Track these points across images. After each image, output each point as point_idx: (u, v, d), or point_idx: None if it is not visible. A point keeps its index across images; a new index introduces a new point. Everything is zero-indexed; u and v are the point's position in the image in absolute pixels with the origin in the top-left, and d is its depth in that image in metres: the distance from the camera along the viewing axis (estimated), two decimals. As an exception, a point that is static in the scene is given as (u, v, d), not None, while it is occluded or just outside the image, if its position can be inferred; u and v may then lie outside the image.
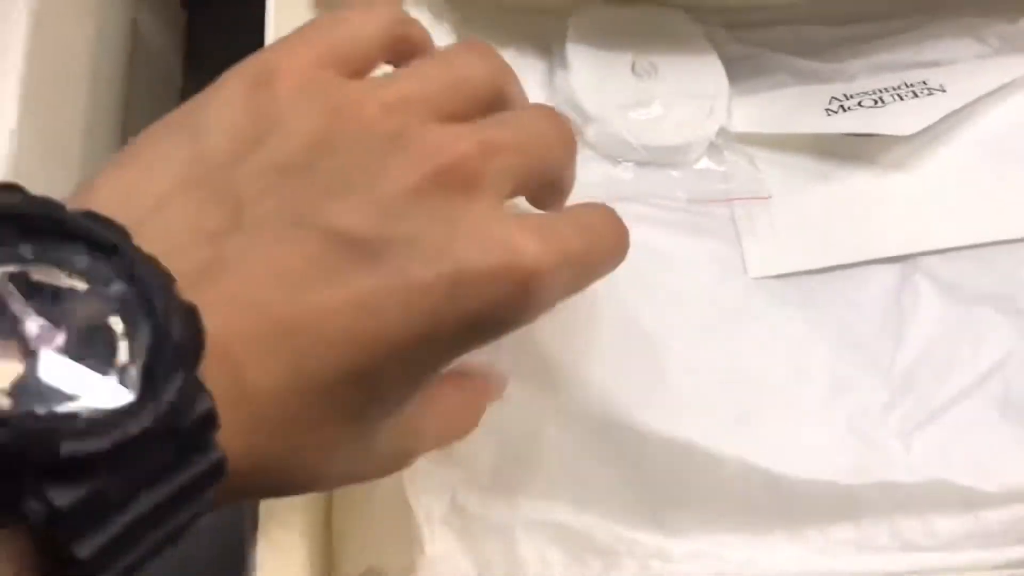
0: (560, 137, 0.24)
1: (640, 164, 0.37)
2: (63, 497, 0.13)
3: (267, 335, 0.17)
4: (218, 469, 0.16)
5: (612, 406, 0.31)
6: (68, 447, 0.13)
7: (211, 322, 0.16)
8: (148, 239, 0.16)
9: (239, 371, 0.17)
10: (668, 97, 0.37)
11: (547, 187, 0.25)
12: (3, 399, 0.13)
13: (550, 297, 0.21)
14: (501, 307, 0.19)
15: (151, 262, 0.16)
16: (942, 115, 0.35)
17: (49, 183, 0.30)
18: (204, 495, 0.16)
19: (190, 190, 0.19)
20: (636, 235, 0.35)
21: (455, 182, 0.20)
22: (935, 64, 0.38)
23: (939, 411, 0.31)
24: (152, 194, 0.19)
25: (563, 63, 0.38)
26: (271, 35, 0.29)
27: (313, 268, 0.18)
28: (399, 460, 0.23)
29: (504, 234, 0.19)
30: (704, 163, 0.37)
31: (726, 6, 0.41)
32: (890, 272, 0.34)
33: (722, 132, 0.37)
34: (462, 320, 0.19)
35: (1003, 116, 0.37)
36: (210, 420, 0.15)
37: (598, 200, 0.35)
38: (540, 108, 0.25)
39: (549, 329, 0.32)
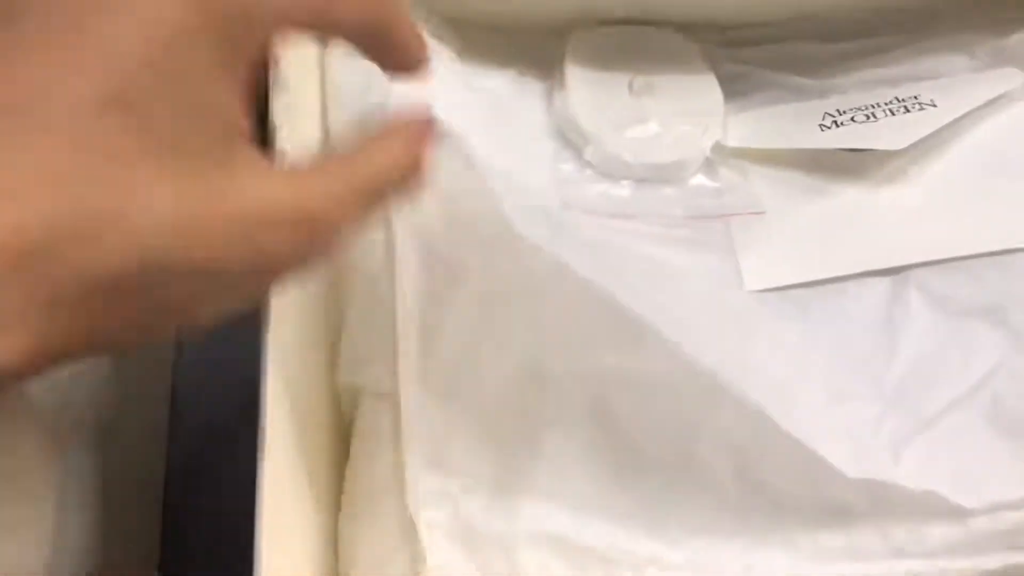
0: None
1: (638, 181, 0.38)
2: None
3: None
4: None
5: (610, 419, 0.32)
6: None
7: None
8: None
9: None
10: (664, 115, 0.38)
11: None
12: None
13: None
14: None
15: None
16: (932, 130, 0.36)
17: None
18: None
19: None
20: (635, 250, 0.36)
21: None
22: (927, 79, 0.39)
23: (930, 422, 0.31)
24: None
25: (561, 84, 0.38)
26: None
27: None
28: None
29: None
30: (700, 179, 0.38)
31: (721, 25, 0.41)
32: (883, 284, 0.35)
33: (717, 148, 0.38)
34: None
35: (992, 130, 0.37)
36: None
37: (598, 215, 0.37)
38: None
39: (548, 342, 0.32)
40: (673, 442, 0.31)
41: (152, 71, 0.18)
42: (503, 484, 0.31)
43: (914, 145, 0.36)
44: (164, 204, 0.18)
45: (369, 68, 0.37)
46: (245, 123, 0.21)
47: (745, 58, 0.41)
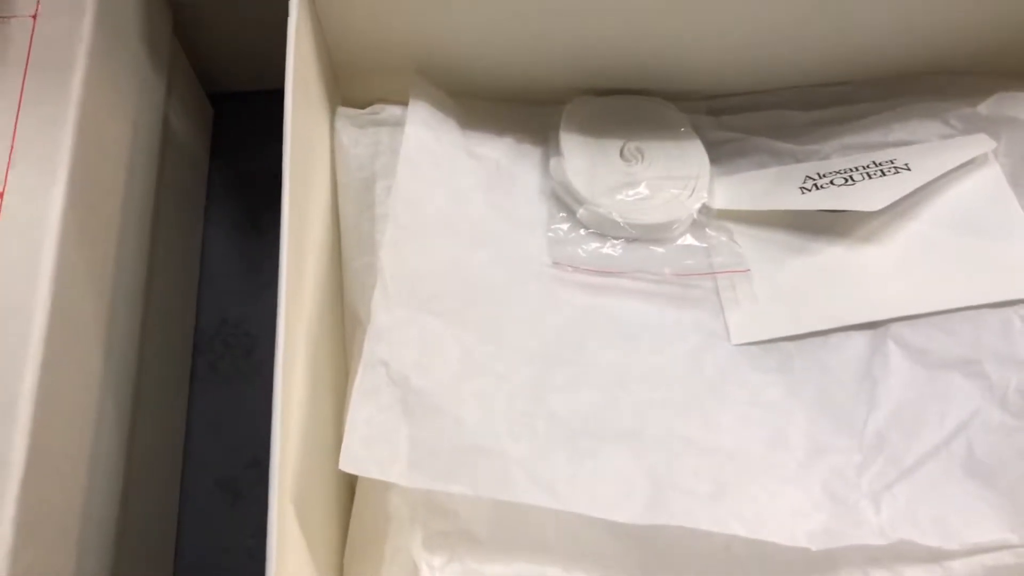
0: None
1: (628, 241, 0.40)
2: None
3: None
4: None
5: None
6: None
7: None
8: None
9: None
10: (654, 180, 0.40)
11: None
12: None
13: None
14: None
15: None
16: (907, 192, 0.38)
17: (90, 262, 0.33)
18: None
19: None
20: (626, 307, 0.38)
21: None
22: (902, 144, 0.41)
23: (908, 471, 0.33)
24: None
25: (557, 150, 0.41)
26: (288, 135, 0.32)
27: None
28: None
29: None
30: (687, 239, 0.40)
31: (708, 94, 0.44)
32: (862, 339, 0.36)
33: (704, 210, 0.40)
34: None
35: (963, 193, 0.39)
36: None
37: (589, 272, 0.39)
38: None
39: (543, 395, 0.34)
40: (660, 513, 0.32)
41: None
42: (499, 531, 0.32)
43: (889, 207, 0.38)
44: None
45: (375, 138, 0.40)
46: None
47: (731, 125, 0.43)
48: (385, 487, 0.32)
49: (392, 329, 0.33)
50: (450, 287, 0.35)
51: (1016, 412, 0.34)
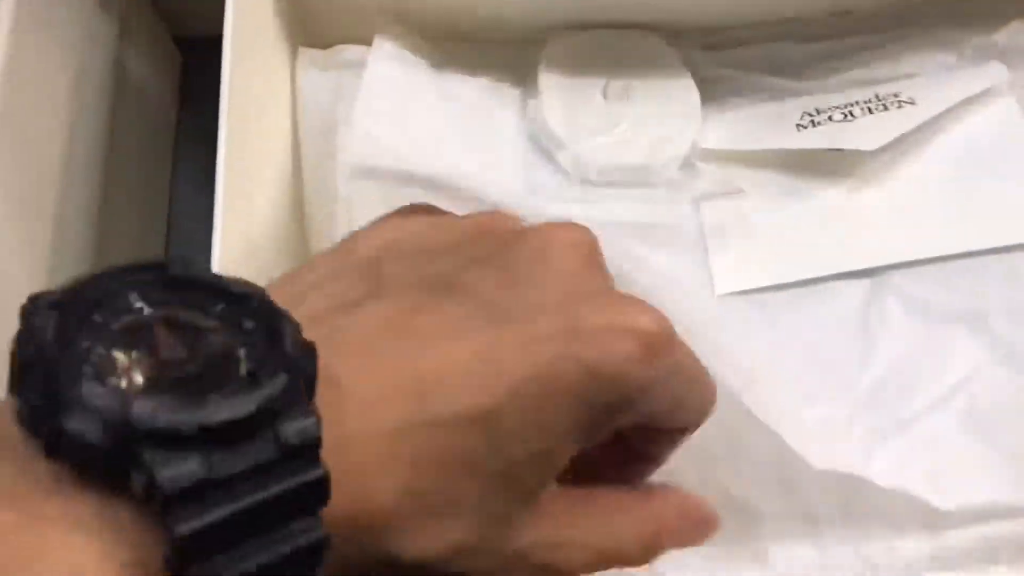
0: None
1: (612, 184, 0.37)
2: (167, 470, 0.14)
3: (385, 380, 0.18)
4: (320, 486, 0.16)
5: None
6: (176, 417, 0.15)
7: (330, 366, 0.17)
8: (301, 308, 0.18)
9: (344, 414, 0.17)
10: (640, 118, 0.38)
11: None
12: (135, 377, 0.15)
13: (667, 363, 0.20)
14: (620, 356, 0.19)
15: (277, 309, 0.17)
16: (909, 128, 0.35)
17: (23, 218, 0.31)
18: (307, 520, 0.16)
19: (341, 275, 0.21)
20: (608, 249, 0.36)
21: (582, 257, 0.21)
22: (910, 76, 0.38)
23: (903, 425, 0.31)
24: (310, 281, 0.21)
25: (535, 90, 0.38)
26: (227, 77, 0.29)
27: (442, 326, 0.19)
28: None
29: (622, 301, 0.20)
30: (678, 179, 0.37)
31: (700, 28, 0.41)
32: (858, 289, 0.34)
33: (694, 150, 0.38)
34: (581, 367, 0.19)
35: (972, 128, 0.36)
36: (315, 441, 0.16)
37: (576, 220, 0.36)
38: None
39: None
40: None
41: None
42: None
43: (892, 145, 0.35)
44: None
45: (336, 81, 0.38)
46: None
47: (724, 61, 0.40)
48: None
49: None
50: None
51: (1020, 368, 0.31)
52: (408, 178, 0.33)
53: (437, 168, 0.34)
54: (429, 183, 0.33)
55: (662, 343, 0.19)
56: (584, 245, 0.21)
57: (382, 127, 0.34)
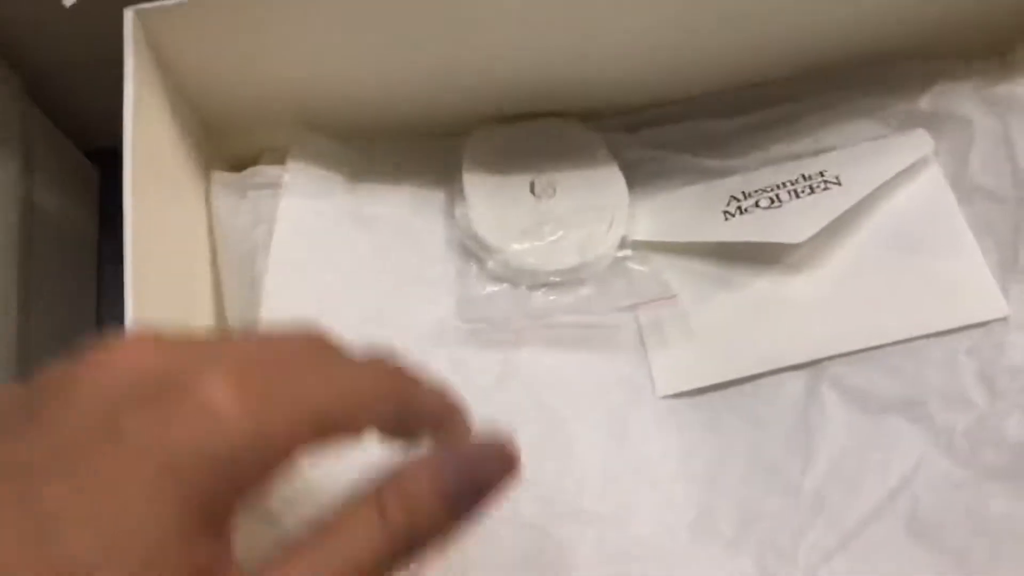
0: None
1: (545, 287, 0.36)
2: None
3: None
4: None
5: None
6: None
7: None
8: None
9: None
10: (568, 216, 0.37)
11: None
12: None
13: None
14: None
15: None
16: (836, 215, 0.35)
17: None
18: None
19: None
20: (545, 363, 0.35)
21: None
22: (834, 148, 0.38)
23: (849, 536, 0.30)
24: None
25: (461, 194, 0.37)
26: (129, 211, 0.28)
27: None
28: None
29: None
30: (609, 276, 0.37)
31: (623, 109, 0.40)
32: (797, 382, 0.33)
33: (624, 243, 0.37)
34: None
35: (900, 204, 0.36)
36: None
37: (507, 329, 0.35)
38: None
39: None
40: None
41: None
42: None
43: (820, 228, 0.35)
44: None
45: (253, 204, 0.36)
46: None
47: (649, 141, 0.40)
48: None
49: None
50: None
51: (963, 460, 0.31)
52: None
53: (363, 298, 0.34)
54: (353, 323, 0.33)
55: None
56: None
57: (298, 277, 0.33)
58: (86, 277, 0.43)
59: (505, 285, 0.36)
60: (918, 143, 0.37)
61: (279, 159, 0.37)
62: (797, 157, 0.38)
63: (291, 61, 0.34)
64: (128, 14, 0.31)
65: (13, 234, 0.36)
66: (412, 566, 0.20)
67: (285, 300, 0.33)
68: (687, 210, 0.37)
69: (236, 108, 0.36)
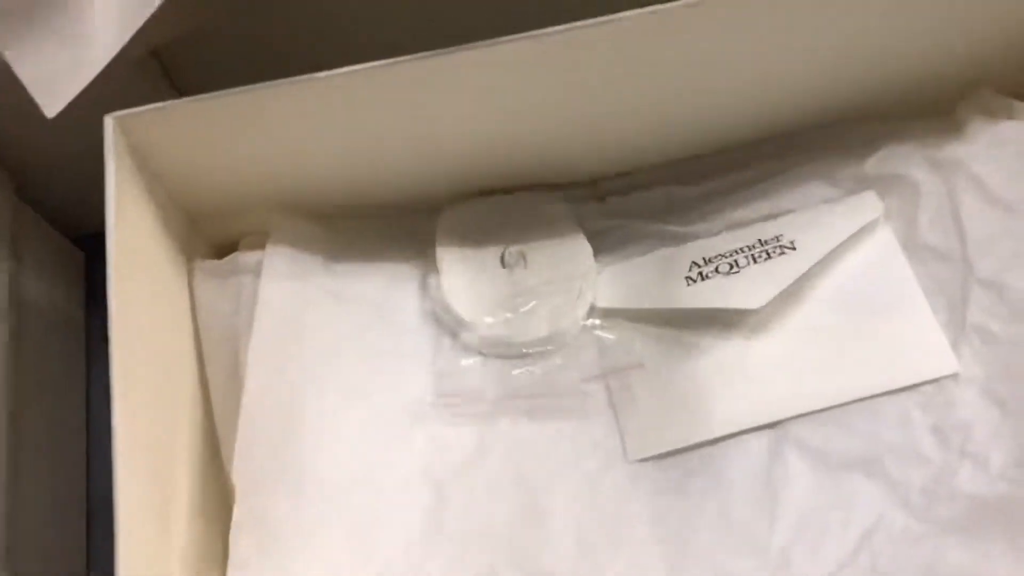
0: None
1: (518, 357, 0.38)
2: None
3: None
4: None
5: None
6: None
7: None
8: None
9: None
10: (539, 286, 0.39)
11: None
12: None
13: None
14: None
15: None
16: (792, 279, 0.36)
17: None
18: None
19: None
20: (519, 435, 0.36)
21: None
22: (789, 212, 0.39)
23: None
24: None
25: (435, 268, 0.39)
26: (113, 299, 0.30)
27: None
28: None
29: None
30: (578, 345, 0.38)
31: (589, 179, 0.42)
32: (761, 443, 0.35)
33: (592, 311, 0.39)
34: None
35: (853, 267, 0.38)
36: None
37: (481, 401, 0.37)
38: None
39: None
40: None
41: None
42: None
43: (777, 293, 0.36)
44: None
45: (235, 289, 0.38)
46: None
47: (616, 210, 0.41)
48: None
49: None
50: (320, 465, 0.33)
51: (920, 515, 0.32)
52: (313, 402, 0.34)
53: (340, 387, 0.35)
54: (333, 404, 0.34)
55: None
56: None
57: (279, 362, 0.35)
58: (75, 359, 0.44)
59: (479, 357, 0.38)
60: (869, 206, 0.39)
61: (260, 243, 0.38)
62: (755, 221, 0.40)
63: (266, 153, 0.36)
64: (108, 121, 0.32)
65: (2, 319, 0.38)
66: None
67: (266, 385, 0.34)
68: (651, 277, 0.39)
69: (216, 198, 0.38)
